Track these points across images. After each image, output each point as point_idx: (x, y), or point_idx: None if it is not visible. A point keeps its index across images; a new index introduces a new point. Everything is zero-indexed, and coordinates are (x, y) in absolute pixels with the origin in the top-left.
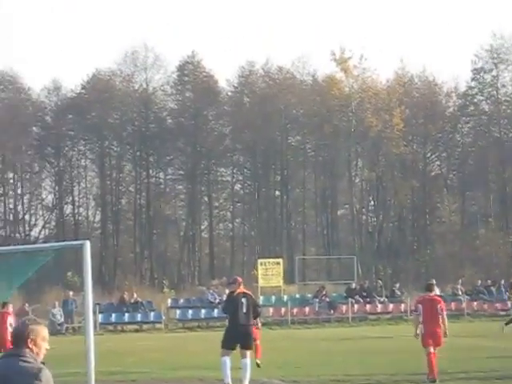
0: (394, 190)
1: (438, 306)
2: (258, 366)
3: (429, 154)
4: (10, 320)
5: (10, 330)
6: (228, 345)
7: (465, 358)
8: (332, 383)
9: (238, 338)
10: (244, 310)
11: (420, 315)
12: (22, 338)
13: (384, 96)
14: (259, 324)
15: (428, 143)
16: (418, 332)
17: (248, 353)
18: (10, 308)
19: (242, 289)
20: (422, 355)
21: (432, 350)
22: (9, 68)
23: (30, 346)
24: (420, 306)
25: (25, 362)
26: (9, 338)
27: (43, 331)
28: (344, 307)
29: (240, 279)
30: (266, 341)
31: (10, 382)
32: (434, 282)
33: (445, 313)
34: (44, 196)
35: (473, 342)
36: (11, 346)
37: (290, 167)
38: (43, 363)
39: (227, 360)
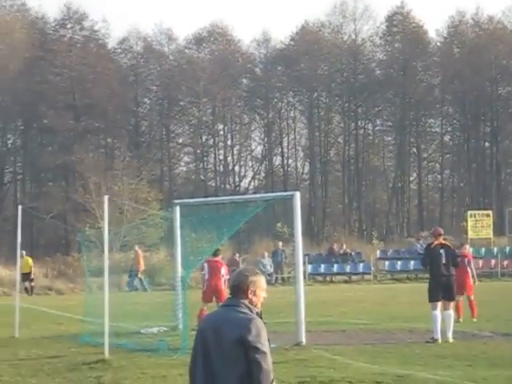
0: None
1: None
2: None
3: None
4: (223, 270)
5: (222, 279)
6: (434, 297)
7: None
8: None
9: (441, 289)
10: (443, 261)
11: None
12: (242, 289)
13: None
14: (471, 279)
15: None
16: None
17: (451, 304)
18: (221, 257)
19: (440, 240)
20: None
21: None
22: (219, 20)
23: (250, 296)
24: None
25: (239, 312)
26: (223, 287)
27: (262, 281)
28: None
29: (439, 230)
30: (475, 293)
31: (223, 332)
32: None
33: None
34: (253, 147)
35: None
36: (227, 296)
37: (499, 118)
38: (261, 312)
39: (438, 314)
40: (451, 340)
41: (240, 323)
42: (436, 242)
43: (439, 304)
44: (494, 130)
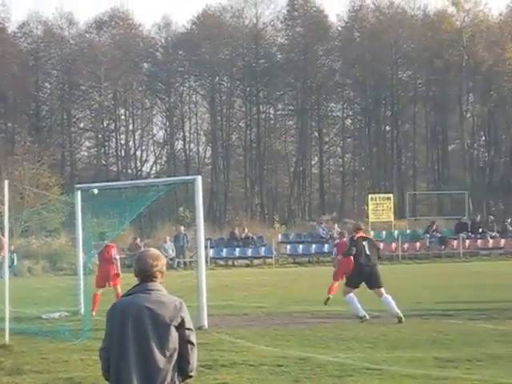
0: (506, 124)
1: None
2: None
3: None
4: (113, 252)
5: (115, 262)
6: (352, 284)
7: None
8: (443, 317)
9: (363, 278)
10: (367, 252)
11: None
12: (152, 272)
13: (496, 30)
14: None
15: None
16: None
17: (381, 290)
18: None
19: (361, 233)
20: None
21: None
22: (120, 5)
23: (160, 278)
24: None
25: (164, 295)
26: (115, 270)
27: (164, 260)
28: (455, 242)
29: (359, 225)
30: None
31: (155, 314)
32: None
33: None
34: (155, 132)
35: None
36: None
37: (400, 102)
38: None
39: (352, 296)
40: (401, 314)
41: (171, 305)
42: (358, 235)
43: (354, 290)
44: (394, 114)
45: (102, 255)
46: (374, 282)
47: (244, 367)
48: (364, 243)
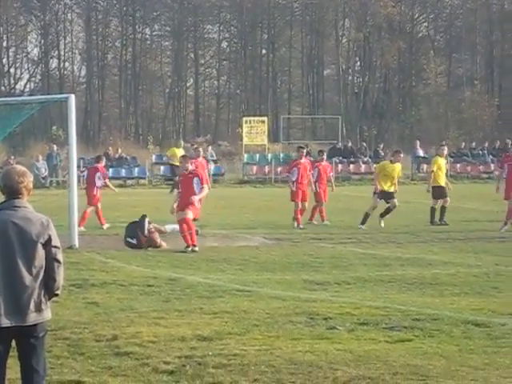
0: (381, 50)
1: None
2: None
3: (416, 15)
4: None
5: None
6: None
7: (449, 220)
8: (313, 241)
9: None
10: None
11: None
12: (19, 189)
13: None
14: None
15: (416, 4)
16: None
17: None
18: None
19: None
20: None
21: None
22: None
23: (26, 196)
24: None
25: (30, 212)
26: None
27: (31, 177)
28: None
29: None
30: (249, 198)
31: (24, 231)
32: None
33: None
34: (29, 49)
35: (456, 203)
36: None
37: (276, 26)
38: None
39: None
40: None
41: (38, 222)
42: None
43: None
44: (270, 38)
45: None
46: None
47: (114, 287)
48: None
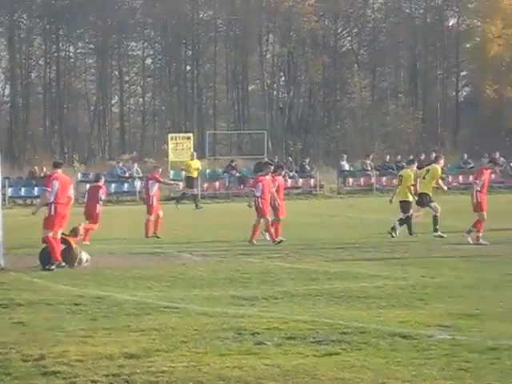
0: (305, 65)
1: None
2: None
3: (340, 30)
4: None
5: None
6: None
7: (375, 233)
8: (241, 256)
9: None
10: None
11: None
12: None
13: None
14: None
15: (339, 19)
16: None
17: None
18: None
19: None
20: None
21: None
22: None
23: None
24: None
25: None
26: None
27: None
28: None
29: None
30: (173, 215)
31: None
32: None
33: None
34: None
35: (381, 216)
36: None
37: (201, 42)
38: None
39: None
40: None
41: None
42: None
43: None
44: (195, 54)
45: None
46: None
47: (41, 306)
48: None
